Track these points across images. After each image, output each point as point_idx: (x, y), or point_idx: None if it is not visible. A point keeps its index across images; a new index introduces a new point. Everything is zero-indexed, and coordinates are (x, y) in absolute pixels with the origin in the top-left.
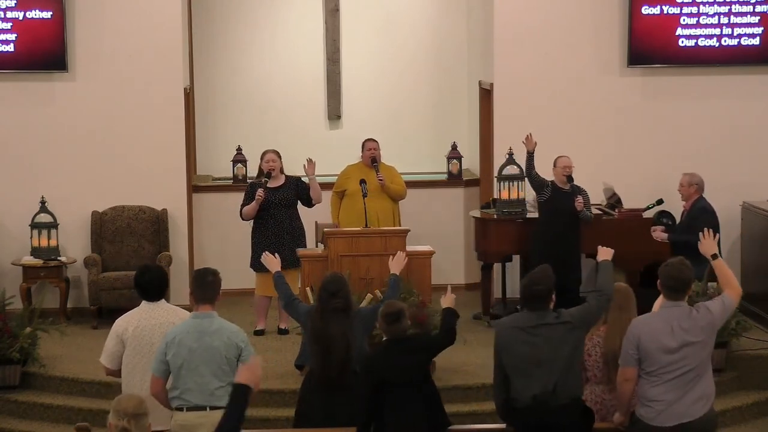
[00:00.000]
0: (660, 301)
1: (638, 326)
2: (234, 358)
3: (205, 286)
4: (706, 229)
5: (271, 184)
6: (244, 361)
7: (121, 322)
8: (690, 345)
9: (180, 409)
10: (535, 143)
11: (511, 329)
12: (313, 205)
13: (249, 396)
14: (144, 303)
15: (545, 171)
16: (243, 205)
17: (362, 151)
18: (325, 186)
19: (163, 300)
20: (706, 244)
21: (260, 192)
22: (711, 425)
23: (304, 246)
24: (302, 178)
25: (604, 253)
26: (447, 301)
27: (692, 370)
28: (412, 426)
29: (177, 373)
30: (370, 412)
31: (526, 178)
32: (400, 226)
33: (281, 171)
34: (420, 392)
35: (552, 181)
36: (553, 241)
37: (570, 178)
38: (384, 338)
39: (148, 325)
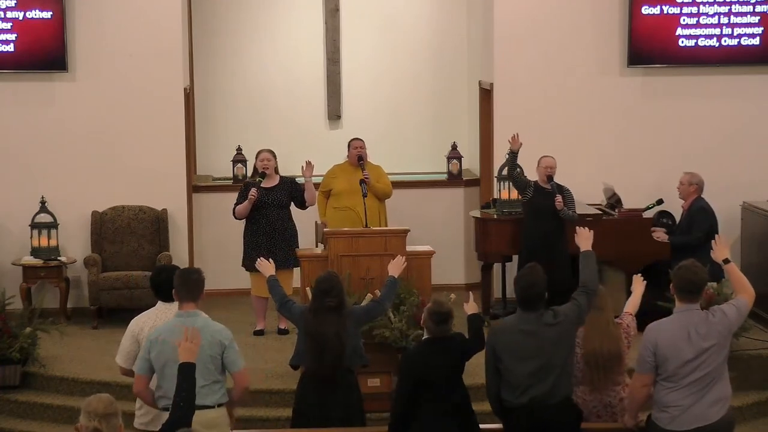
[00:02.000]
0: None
1: (655, 332)
2: (218, 356)
3: (189, 285)
4: (716, 235)
5: (265, 184)
6: (228, 358)
7: (137, 322)
8: (707, 350)
9: (166, 409)
10: (521, 144)
11: (510, 332)
12: (307, 207)
13: (191, 371)
14: (160, 303)
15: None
16: (236, 204)
17: (348, 150)
18: None
19: None
20: (719, 250)
21: (253, 191)
22: (728, 428)
23: (296, 247)
24: (297, 179)
25: (584, 239)
26: (470, 308)
27: (709, 373)
28: (442, 425)
29: (161, 372)
30: (407, 408)
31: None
32: (386, 225)
33: (276, 171)
34: (452, 393)
35: (535, 181)
36: (540, 241)
37: (550, 178)
38: (424, 336)
39: None
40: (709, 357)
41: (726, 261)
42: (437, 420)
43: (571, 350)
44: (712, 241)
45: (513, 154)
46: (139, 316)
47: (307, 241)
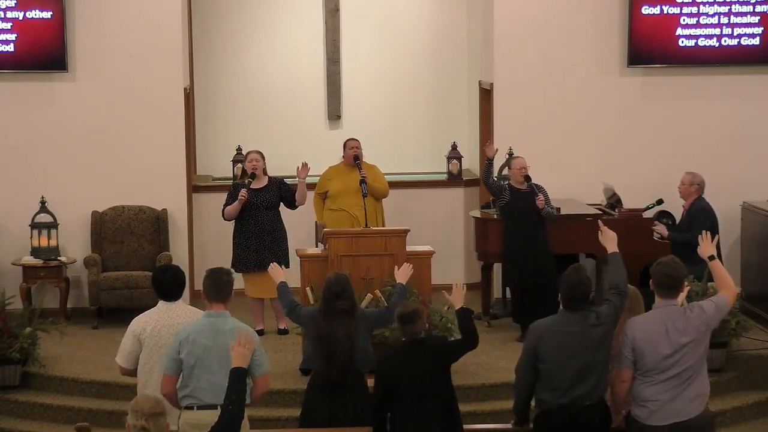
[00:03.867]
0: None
1: (633, 327)
2: None
3: (219, 286)
4: (704, 231)
5: (255, 185)
6: (256, 361)
7: (139, 322)
8: (685, 345)
9: (190, 407)
10: (496, 150)
11: (555, 333)
12: (297, 206)
13: (243, 376)
14: (161, 303)
15: (548, 173)
16: (225, 205)
17: (344, 150)
18: None
19: (181, 300)
20: (704, 246)
21: (243, 192)
22: (707, 424)
23: (285, 248)
24: (286, 180)
25: (609, 240)
26: (457, 299)
27: (687, 369)
28: (420, 428)
29: (189, 371)
30: (382, 414)
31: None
32: (383, 225)
33: (264, 172)
34: (434, 396)
35: (508, 184)
36: (524, 243)
37: (528, 178)
38: (402, 339)
39: (166, 325)
40: (687, 353)
41: (711, 258)
42: (415, 423)
43: (609, 352)
44: (699, 237)
45: (489, 161)
46: (140, 315)
47: (298, 241)
